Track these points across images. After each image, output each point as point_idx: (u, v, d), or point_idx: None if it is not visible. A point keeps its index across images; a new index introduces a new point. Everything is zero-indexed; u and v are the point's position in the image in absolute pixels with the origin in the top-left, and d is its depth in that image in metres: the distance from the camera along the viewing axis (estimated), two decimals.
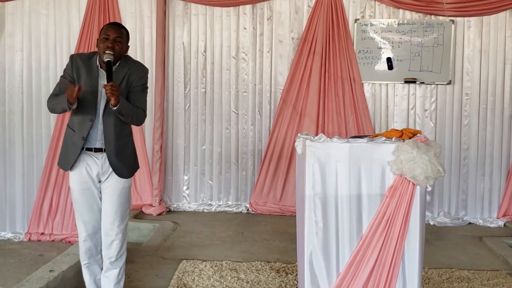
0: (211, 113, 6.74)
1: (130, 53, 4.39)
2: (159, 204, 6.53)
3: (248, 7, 6.65)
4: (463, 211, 6.56)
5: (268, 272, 4.53)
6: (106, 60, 3.34)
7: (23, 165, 6.77)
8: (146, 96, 3.67)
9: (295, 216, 3.73)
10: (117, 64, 3.48)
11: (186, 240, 5.51)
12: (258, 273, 4.51)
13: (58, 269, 4.11)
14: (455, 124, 6.53)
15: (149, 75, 3.73)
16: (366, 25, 6.51)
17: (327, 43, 6.47)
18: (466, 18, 6.45)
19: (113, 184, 3.51)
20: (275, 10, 6.63)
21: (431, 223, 6.35)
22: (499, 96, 6.46)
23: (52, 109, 3.53)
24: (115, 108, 3.31)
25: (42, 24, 6.71)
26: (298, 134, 3.43)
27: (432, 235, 5.77)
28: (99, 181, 3.52)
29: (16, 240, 6.60)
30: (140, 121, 3.59)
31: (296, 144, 3.36)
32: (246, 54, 6.68)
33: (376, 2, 6.52)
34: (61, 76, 3.57)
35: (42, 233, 6.58)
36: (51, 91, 6.57)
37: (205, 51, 6.70)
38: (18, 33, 6.73)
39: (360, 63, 6.50)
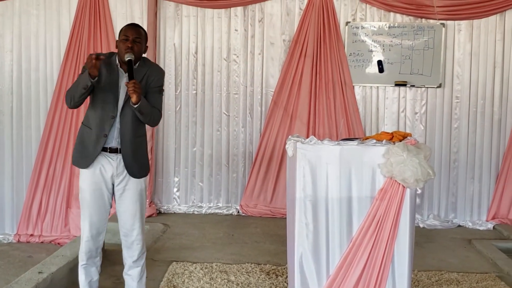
0: (202, 115, 6.73)
1: None
2: (149, 206, 6.49)
3: (239, 9, 6.65)
4: (452, 213, 6.58)
5: (258, 274, 4.53)
6: (127, 59, 3.35)
7: (12, 166, 6.74)
8: (162, 98, 3.70)
9: (286, 218, 3.73)
10: (137, 64, 3.49)
11: (176, 242, 5.50)
12: (248, 275, 4.51)
13: (47, 270, 4.09)
14: (445, 127, 6.56)
15: None
16: (357, 28, 6.53)
17: (318, 46, 6.47)
18: (456, 22, 6.48)
19: (132, 186, 3.51)
20: (266, 12, 6.63)
21: (421, 225, 6.37)
22: (489, 99, 6.49)
23: (71, 98, 3.38)
24: (136, 106, 3.31)
25: (32, 24, 6.67)
26: (289, 136, 3.42)
27: (422, 238, 5.78)
28: (112, 183, 3.50)
29: (5, 242, 6.56)
30: (156, 121, 3.61)
31: (287, 146, 3.35)
32: (237, 56, 6.68)
33: (367, 5, 6.53)
34: (80, 74, 3.51)
35: (31, 235, 6.55)
36: (41, 92, 6.70)
37: (196, 52, 6.69)
38: (8, 34, 6.70)
39: (351, 65, 6.51)
